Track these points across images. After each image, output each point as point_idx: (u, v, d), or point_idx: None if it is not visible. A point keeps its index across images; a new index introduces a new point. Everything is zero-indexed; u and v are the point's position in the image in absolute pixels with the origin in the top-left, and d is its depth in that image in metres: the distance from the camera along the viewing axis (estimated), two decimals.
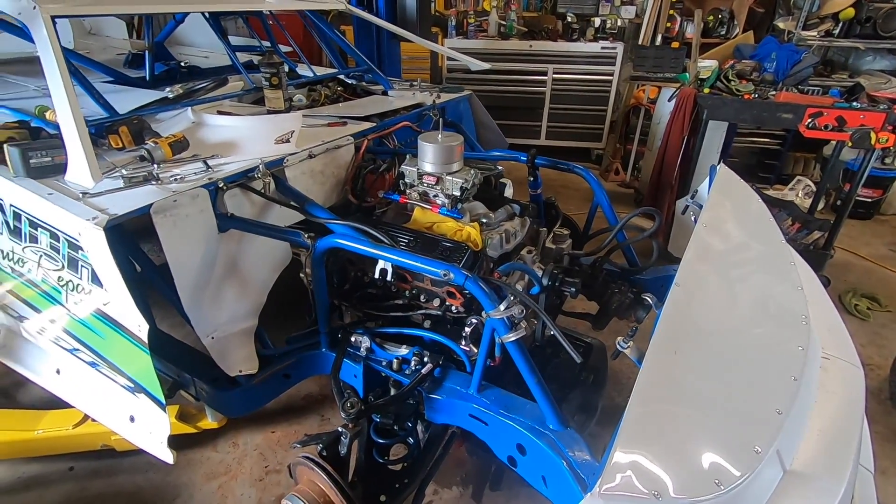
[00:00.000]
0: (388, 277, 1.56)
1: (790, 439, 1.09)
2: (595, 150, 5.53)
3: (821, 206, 4.32)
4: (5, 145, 1.47)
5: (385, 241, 1.52)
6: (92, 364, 1.68)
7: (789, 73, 3.68)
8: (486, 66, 3.01)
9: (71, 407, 1.88)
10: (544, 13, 5.47)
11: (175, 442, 1.99)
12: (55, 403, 1.90)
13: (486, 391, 1.55)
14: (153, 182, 1.49)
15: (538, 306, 1.38)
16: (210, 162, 1.64)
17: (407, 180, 1.85)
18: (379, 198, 1.94)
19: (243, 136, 1.86)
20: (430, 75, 5.24)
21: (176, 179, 1.52)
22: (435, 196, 1.80)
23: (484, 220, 1.81)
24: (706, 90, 3.08)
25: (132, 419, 1.63)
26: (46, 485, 1.92)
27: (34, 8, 1.61)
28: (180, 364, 1.85)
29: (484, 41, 5.15)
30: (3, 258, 1.70)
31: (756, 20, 5.20)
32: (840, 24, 4.48)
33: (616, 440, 0.91)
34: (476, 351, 1.59)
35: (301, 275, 1.79)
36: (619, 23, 5.14)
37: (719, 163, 2.09)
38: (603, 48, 5.00)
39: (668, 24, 5.10)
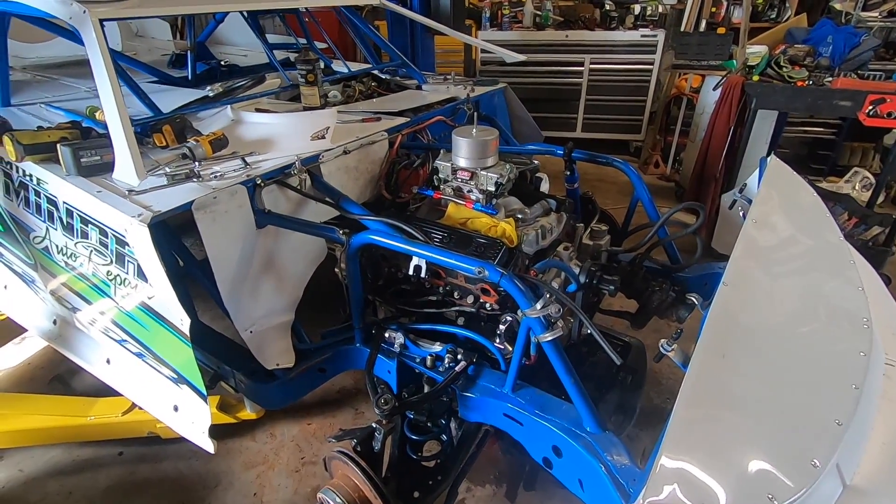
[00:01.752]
0: (423, 274, 1.55)
1: (851, 452, 1.02)
2: (634, 142, 5.36)
3: (881, 199, 4.04)
4: (58, 145, 1.54)
5: (419, 237, 1.50)
6: (139, 355, 1.75)
7: (847, 57, 3.45)
8: (522, 57, 2.95)
9: (120, 395, 1.97)
10: (581, 1, 5.33)
11: (215, 431, 2.05)
12: (106, 391, 1.99)
13: (522, 391, 1.52)
14: (194, 179, 1.53)
15: (575, 305, 1.34)
16: (248, 159, 1.67)
17: (441, 175, 1.82)
18: (413, 193, 1.93)
19: (280, 132, 1.89)
20: (464, 68, 5.20)
21: (216, 177, 1.55)
22: (469, 191, 1.77)
23: (519, 216, 1.77)
24: (755, 78, 2.92)
25: (176, 409, 1.68)
26: (98, 468, 2.01)
27: (84, 12, 1.67)
28: (221, 356, 1.90)
29: (519, 32, 5.06)
30: (59, 252, 1.79)
31: (810, 2, 4.90)
32: None
33: (661, 448, 0.87)
34: (511, 349, 1.57)
35: (336, 270, 1.81)
36: (660, 9, 4.94)
37: (769, 154, 1.97)
38: (643, 36, 4.82)
39: (713, 9, 4.87)
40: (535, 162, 2.03)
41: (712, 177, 3.19)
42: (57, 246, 1.76)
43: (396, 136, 2.07)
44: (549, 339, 1.28)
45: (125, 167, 1.48)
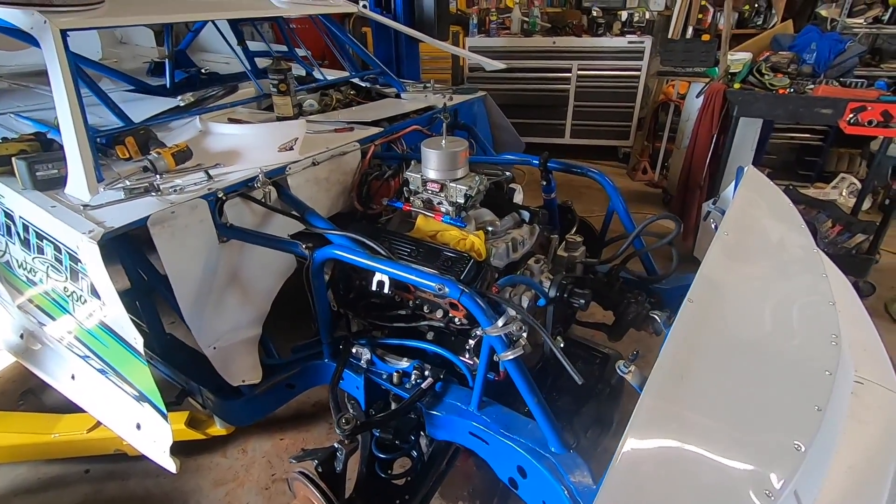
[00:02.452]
0: (385, 290, 1.52)
1: (812, 478, 0.99)
2: (622, 148, 5.35)
3: (867, 205, 4.03)
4: (14, 158, 1.50)
5: (382, 252, 1.47)
6: (102, 371, 1.71)
7: (832, 63, 3.45)
8: (502, 65, 2.94)
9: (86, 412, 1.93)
10: (569, 8, 5.33)
11: (185, 447, 2.03)
12: (73, 407, 1.95)
13: (488, 408, 1.48)
14: (153, 193, 1.50)
15: (537, 323, 1.31)
16: (212, 171, 1.63)
17: (411, 187, 1.80)
18: (383, 205, 1.90)
19: (247, 144, 1.86)
20: (452, 75, 5.18)
21: (176, 190, 1.52)
22: (439, 203, 1.74)
23: (490, 229, 1.74)
24: (736, 85, 2.90)
25: (138, 426, 1.64)
26: (64, 486, 1.97)
27: (45, 22, 1.64)
28: (188, 371, 1.86)
29: (506, 39, 5.06)
30: (19, 267, 1.75)
31: (796, 8, 4.91)
32: (890, 10, 4.18)
33: (604, 483, 0.84)
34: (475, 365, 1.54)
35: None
36: (647, 16, 4.95)
37: (755, 161, 1.96)
38: (630, 42, 4.82)
39: (700, 16, 4.88)
40: (508, 173, 2.01)
41: (697, 184, 3.17)
42: (17, 260, 1.72)
43: (369, 146, 2.04)
44: (511, 357, 1.25)
45: (77, 181, 1.44)
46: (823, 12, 4.67)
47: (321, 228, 1.61)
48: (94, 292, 1.40)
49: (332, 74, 2.98)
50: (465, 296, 1.27)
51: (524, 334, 1.28)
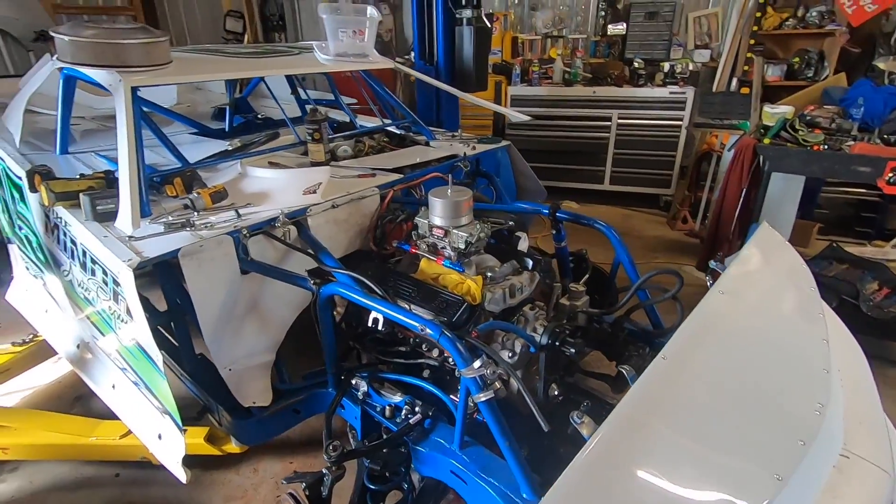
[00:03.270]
0: (380, 326, 1.63)
1: None
2: (663, 196, 5.29)
3: None
4: (81, 194, 1.78)
5: (378, 292, 1.59)
6: (135, 383, 1.91)
7: (888, 118, 3.32)
8: (526, 118, 3.07)
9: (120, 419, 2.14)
10: (611, 59, 5.44)
11: (202, 461, 2.18)
12: (112, 415, 2.17)
13: (469, 448, 1.53)
14: (188, 228, 1.71)
15: (509, 367, 1.37)
16: (242, 211, 1.84)
17: (419, 231, 1.93)
18: (394, 247, 2.04)
19: (276, 187, 2.07)
20: (493, 122, 5.39)
21: (207, 226, 1.73)
22: (442, 248, 1.86)
23: (489, 274, 1.83)
24: (766, 140, 2.87)
25: (160, 437, 1.81)
26: (95, 486, 2.17)
27: (119, 80, 1.95)
28: (210, 390, 2.04)
29: (547, 88, 5.23)
30: (79, 286, 2.02)
31: (851, 61, 4.77)
32: None
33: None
34: (472, 405, 1.59)
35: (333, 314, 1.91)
36: (690, 67, 4.97)
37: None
38: (671, 93, 4.85)
39: (746, 68, 4.83)
40: (511, 222, 2.10)
41: (725, 237, 3.11)
42: (77, 280, 1.99)
43: (388, 191, 2.20)
44: (483, 399, 1.32)
45: (124, 216, 1.68)
46: (881, 65, 4.50)
47: (329, 266, 1.76)
48: (129, 313, 1.60)
49: (372, 121, 3.24)
50: (443, 338, 1.36)
51: (497, 378, 1.34)
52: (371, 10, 2.84)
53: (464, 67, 3.95)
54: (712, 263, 1.81)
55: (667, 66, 4.97)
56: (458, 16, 3.80)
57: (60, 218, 1.94)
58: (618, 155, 5.23)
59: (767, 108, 3.36)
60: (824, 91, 3.89)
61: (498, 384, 1.34)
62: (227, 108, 3.18)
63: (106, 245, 1.63)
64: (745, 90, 3.98)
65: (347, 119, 3.37)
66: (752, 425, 1.16)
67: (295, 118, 3.29)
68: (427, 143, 2.92)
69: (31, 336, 2.76)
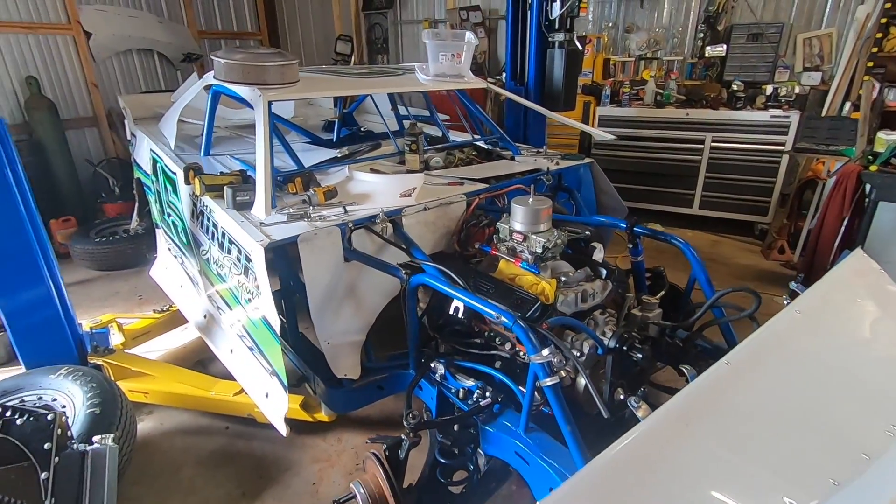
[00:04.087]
0: (460, 314, 1.82)
1: None
2: (759, 224, 5.02)
3: None
4: (225, 186, 2.17)
5: (461, 283, 1.79)
6: (251, 349, 2.26)
7: None
8: (611, 137, 3.15)
9: (234, 380, 2.52)
10: (708, 81, 5.31)
11: (296, 426, 2.48)
12: (227, 376, 2.56)
13: (534, 433, 1.67)
14: (305, 219, 2.03)
15: (571, 353, 1.50)
16: (349, 208, 2.14)
17: (501, 235, 2.11)
18: (476, 248, 2.24)
19: (377, 189, 2.36)
20: (579, 141, 5.45)
21: (320, 219, 2.04)
22: (521, 251, 2.02)
23: (563, 279, 1.96)
24: (873, 167, 2.72)
25: (267, 395, 2.14)
26: (209, 435, 2.55)
27: (259, 95, 2.36)
28: (308, 362, 2.35)
29: (637, 109, 5.21)
30: (214, 263, 2.43)
31: None
32: None
33: (582, 473, 1.01)
34: (539, 397, 1.73)
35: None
36: (796, 90, 4.73)
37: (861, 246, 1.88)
38: (773, 117, 4.64)
39: (861, 91, 4.50)
40: (588, 232, 2.21)
41: (822, 267, 2.95)
42: (213, 258, 2.40)
43: (474, 199, 2.41)
44: (549, 384, 1.46)
45: (259, 206, 2.04)
46: None
47: (419, 260, 1.99)
48: (257, 286, 1.94)
49: (463, 136, 3.49)
50: (516, 325, 1.52)
51: (563, 366, 1.47)
52: (469, 35, 3.10)
53: (553, 88, 4.09)
54: (792, 284, 1.81)
55: (769, 88, 4.77)
56: (550, 39, 3.97)
57: (206, 206, 2.36)
58: (710, 179, 5.07)
59: (882, 135, 3.16)
60: None
61: (563, 373, 1.47)
62: (336, 121, 3.59)
63: (243, 228, 1.99)
64: (855, 115, 3.73)
65: (440, 133, 3.66)
66: (809, 434, 1.20)
67: (394, 131, 3.64)
68: (512, 158, 3.11)
69: (167, 306, 3.29)
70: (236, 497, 2.20)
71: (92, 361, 2.64)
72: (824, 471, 1.09)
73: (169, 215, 3.12)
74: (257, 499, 2.19)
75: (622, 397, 1.81)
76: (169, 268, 3.45)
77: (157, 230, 3.61)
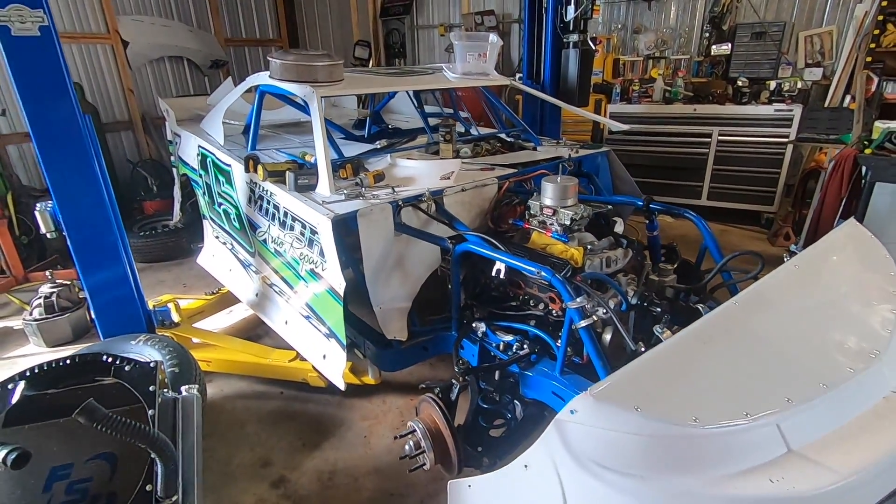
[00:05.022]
0: (502, 275, 2.09)
1: (804, 428, 1.27)
2: (765, 213, 5.26)
3: None
4: (287, 171, 2.46)
5: (501, 248, 2.06)
6: (307, 317, 2.54)
7: None
8: (626, 127, 3.42)
9: (288, 350, 2.80)
10: (714, 78, 5.56)
11: (345, 391, 2.75)
12: (282, 346, 2.84)
13: (569, 376, 1.93)
14: (361, 198, 2.31)
15: (602, 298, 1.76)
16: (396, 189, 2.42)
17: (532, 212, 2.38)
18: (509, 224, 2.50)
19: (419, 173, 2.63)
20: (591, 136, 5.72)
21: (374, 197, 2.32)
22: (551, 224, 2.29)
23: (589, 247, 2.22)
24: (868, 151, 2.96)
25: (324, 357, 2.41)
26: (266, 399, 2.83)
27: (312, 92, 2.64)
28: (358, 330, 2.62)
29: (647, 105, 5.47)
30: (272, 241, 2.72)
31: None
32: None
33: (622, 369, 1.27)
34: (569, 350, 1.99)
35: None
36: (799, 85, 4.97)
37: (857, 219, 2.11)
38: (777, 111, 4.88)
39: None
40: (610, 207, 2.47)
41: None
42: (272, 237, 2.69)
43: (505, 182, 2.68)
44: (584, 325, 1.72)
45: (323, 185, 2.33)
46: None
47: (462, 231, 2.26)
48: (322, 254, 2.22)
49: (485, 131, 3.77)
50: (555, 279, 1.79)
51: (598, 310, 1.73)
52: (493, 37, 3.39)
53: (568, 85, 4.37)
54: (793, 247, 2.06)
55: (773, 84, 5.01)
56: (565, 40, 4.25)
57: (266, 190, 2.65)
58: (717, 171, 5.31)
59: (879, 123, 3.40)
60: None
61: (595, 317, 1.73)
62: (367, 118, 3.89)
63: (308, 206, 2.27)
64: (853, 105, 3.97)
65: (463, 129, 3.95)
66: (806, 353, 1.45)
67: (419, 128, 3.93)
68: (534, 148, 3.38)
69: (217, 290, 3.58)
70: (298, 447, 2.47)
71: (160, 333, 2.92)
72: (817, 376, 1.34)
73: (220, 205, 3.41)
74: (317, 448, 2.46)
75: (643, 350, 2.07)
76: (216, 255, 3.74)
77: (203, 221, 3.91)
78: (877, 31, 4.58)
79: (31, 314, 3.40)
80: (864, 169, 3.00)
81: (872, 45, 4.61)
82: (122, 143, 6.20)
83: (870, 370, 1.43)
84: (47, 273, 3.71)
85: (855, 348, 1.50)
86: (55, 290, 3.47)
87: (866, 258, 1.98)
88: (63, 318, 3.42)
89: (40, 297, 3.43)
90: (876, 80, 4.72)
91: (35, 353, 3.36)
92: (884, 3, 4.45)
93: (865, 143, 3.10)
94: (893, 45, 4.64)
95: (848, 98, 4.76)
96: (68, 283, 3.60)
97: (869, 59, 4.67)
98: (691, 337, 1.42)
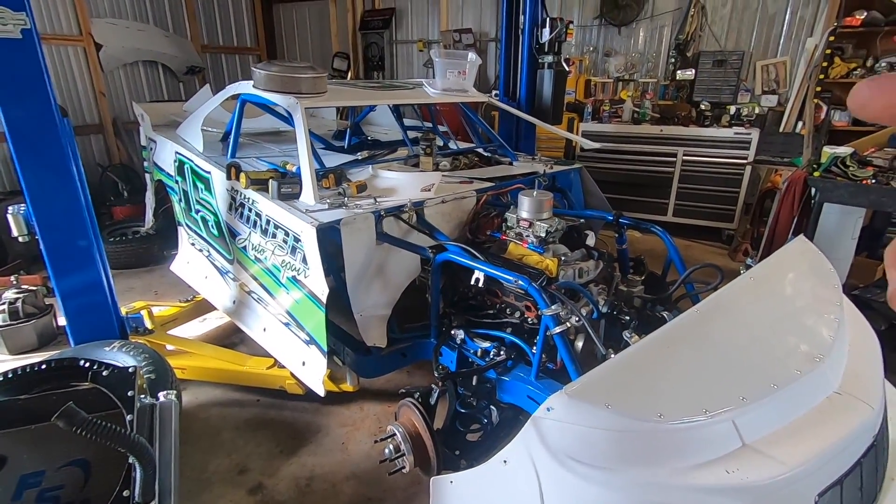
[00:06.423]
0: (480, 284, 2.17)
1: (756, 424, 1.39)
2: (725, 230, 5.54)
3: None
4: (270, 180, 2.49)
5: (480, 257, 2.15)
6: (286, 324, 2.57)
7: None
8: (596, 145, 3.60)
9: (266, 357, 2.80)
10: (679, 101, 5.87)
11: (321, 398, 2.77)
12: (258, 353, 2.84)
13: (544, 380, 2.02)
14: (344, 207, 2.37)
15: (574, 305, 1.86)
16: (378, 199, 2.48)
17: (509, 224, 2.48)
18: (487, 235, 2.60)
19: (401, 184, 2.71)
20: (564, 153, 5.93)
21: (357, 207, 2.38)
22: (527, 236, 2.40)
23: (563, 258, 2.34)
24: (816, 174, 3.21)
25: (303, 363, 2.44)
26: (243, 406, 2.82)
27: (297, 102, 2.70)
28: (338, 338, 2.65)
29: (616, 125, 5.72)
30: (252, 248, 2.74)
31: None
32: None
33: (594, 370, 1.37)
34: (544, 357, 2.09)
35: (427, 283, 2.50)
36: (756, 111, 5.30)
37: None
38: (736, 133, 5.19)
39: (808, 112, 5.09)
40: (582, 221, 2.60)
41: None
42: (252, 244, 2.71)
43: (483, 195, 2.79)
44: (558, 331, 1.82)
45: (307, 194, 2.37)
46: None
47: (442, 241, 2.34)
48: (304, 261, 2.26)
49: (463, 145, 3.88)
50: (531, 287, 1.88)
51: (571, 318, 1.83)
52: (472, 55, 3.52)
53: (543, 104, 4.55)
54: (748, 261, 2.22)
55: (733, 109, 5.33)
56: (540, 60, 4.44)
57: (248, 198, 2.67)
58: (682, 189, 5.58)
59: (827, 149, 3.67)
60: (892, 136, 4.11)
61: (569, 323, 1.84)
62: (347, 130, 3.95)
63: (292, 214, 2.32)
64: (803, 131, 4.28)
65: (441, 142, 4.05)
66: (759, 356, 1.59)
67: (398, 140, 4.01)
68: (510, 163, 3.51)
69: (191, 297, 3.55)
70: (275, 454, 2.47)
71: (133, 340, 2.88)
72: (768, 378, 1.47)
73: (198, 211, 3.40)
74: (294, 455, 2.47)
75: (613, 355, 2.18)
76: (191, 262, 3.71)
77: (179, 228, 3.88)
78: (825, 64, 4.95)
79: None
80: (813, 190, 3.23)
81: (822, 77, 4.97)
82: (92, 147, 6.07)
83: (814, 372, 1.56)
84: (12, 278, 3.60)
85: (802, 352, 1.64)
86: (20, 295, 3.37)
87: (814, 272, 2.15)
88: (28, 325, 3.32)
89: (4, 303, 3.32)
90: (825, 108, 5.10)
91: None
92: (831, 38, 4.82)
93: (815, 166, 3.35)
94: (840, 76, 5.01)
95: (800, 124, 5.11)
96: (34, 288, 3.51)
97: (818, 88, 5.04)
98: (657, 341, 1.53)
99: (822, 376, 1.61)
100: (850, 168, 3.20)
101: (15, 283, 3.52)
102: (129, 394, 1.92)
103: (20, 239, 2.64)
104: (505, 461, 1.34)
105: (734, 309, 1.80)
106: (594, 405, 1.27)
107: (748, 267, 2.22)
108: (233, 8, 7.54)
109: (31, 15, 2.22)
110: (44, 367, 2.00)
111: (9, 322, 3.28)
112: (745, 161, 5.17)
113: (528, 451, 1.29)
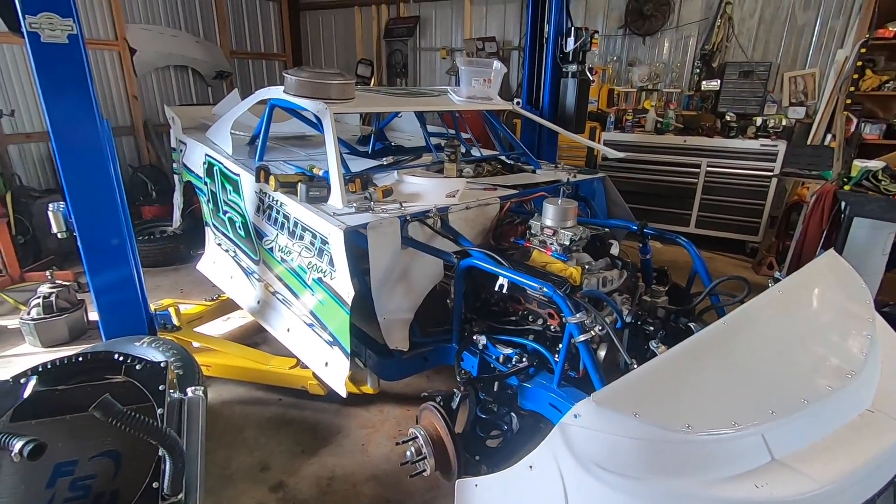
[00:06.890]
0: (505, 290, 2.19)
1: (785, 439, 1.38)
2: (750, 243, 5.45)
3: None
4: (298, 183, 2.55)
5: (504, 263, 2.16)
6: (310, 325, 2.61)
7: None
8: (620, 154, 3.58)
9: (290, 356, 2.85)
10: (703, 112, 5.81)
11: (342, 399, 2.80)
12: (280, 353, 2.89)
13: (566, 388, 2.02)
14: (370, 211, 2.41)
15: (598, 313, 1.86)
16: (404, 204, 2.52)
17: (532, 231, 2.49)
18: (510, 242, 2.62)
19: (426, 190, 2.75)
20: (586, 161, 5.91)
21: (383, 212, 2.42)
22: (551, 243, 2.40)
23: (587, 266, 2.34)
24: (847, 187, 3.15)
25: (326, 364, 2.47)
26: (265, 405, 2.87)
27: (326, 108, 2.76)
28: (360, 340, 2.69)
29: (639, 135, 5.68)
30: (279, 250, 2.79)
31: None
32: None
33: (622, 379, 1.37)
34: (567, 365, 2.09)
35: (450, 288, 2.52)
36: (783, 122, 5.22)
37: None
38: (762, 145, 5.12)
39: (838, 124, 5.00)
40: (607, 230, 2.60)
41: None
42: (279, 245, 2.76)
43: (506, 202, 2.80)
44: (582, 339, 1.82)
45: (336, 197, 2.42)
46: None
47: (467, 247, 2.37)
48: (331, 262, 2.30)
49: (486, 152, 3.91)
50: (556, 294, 1.89)
51: (596, 326, 1.83)
52: (497, 63, 3.56)
53: (566, 112, 4.55)
54: (777, 274, 2.19)
55: (759, 120, 5.26)
56: (564, 69, 4.45)
57: (277, 200, 2.73)
58: (705, 200, 5.51)
59: (857, 162, 3.61)
60: None
61: (594, 332, 1.84)
62: (372, 135, 4.01)
63: (320, 217, 2.36)
64: (833, 144, 4.20)
65: (464, 149, 4.08)
66: (788, 371, 1.57)
67: (422, 146, 4.06)
68: (534, 171, 3.52)
69: (216, 296, 3.63)
70: (296, 453, 2.51)
71: (162, 336, 2.96)
72: (799, 392, 1.45)
73: (225, 212, 3.48)
74: (315, 455, 2.50)
75: (635, 366, 2.17)
76: (217, 262, 3.79)
77: (206, 228, 3.97)
78: (856, 76, 4.86)
79: (28, 314, 3.41)
80: (843, 204, 3.17)
81: (852, 89, 4.89)
82: (123, 148, 6.24)
83: (846, 388, 1.54)
84: (47, 273, 3.73)
85: (833, 368, 1.62)
86: (54, 290, 3.49)
87: (844, 287, 2.12)
88: (61, 319, 3.43)
89: (39, 297, 3.44)
90: (855, 121, 5.00)
91: (30, 353, 3.36)
92: (862, 51, 4.74)
93: (845, 179, 3.29)
94: (871, 89, 4.92)
95: (829, 137, 5.02)
96: (68, 284, 3.62)
97: (849, 101, 4.95)
98: (684, 352, 1.53)
99: (855, 393, 1.58)
100: (883, 182, 3.13)
101: (49, 278, 3.64)
102: (161, 388, 1.97)
103: (59, 236, 2.74)
104: (531, 466, 1.35)
105: (763, 322, 1.78)
106: (622, 413, 1.27)
107: (776, 280, 2.19)
108: (261, 15, 7.72)
109: (78, 21, 2.31)
110: (80, 359, 2.07)
111: (43, 315, 3.40)
112: (770, 173, 5.09)
113: (555, 457, 1.29)
